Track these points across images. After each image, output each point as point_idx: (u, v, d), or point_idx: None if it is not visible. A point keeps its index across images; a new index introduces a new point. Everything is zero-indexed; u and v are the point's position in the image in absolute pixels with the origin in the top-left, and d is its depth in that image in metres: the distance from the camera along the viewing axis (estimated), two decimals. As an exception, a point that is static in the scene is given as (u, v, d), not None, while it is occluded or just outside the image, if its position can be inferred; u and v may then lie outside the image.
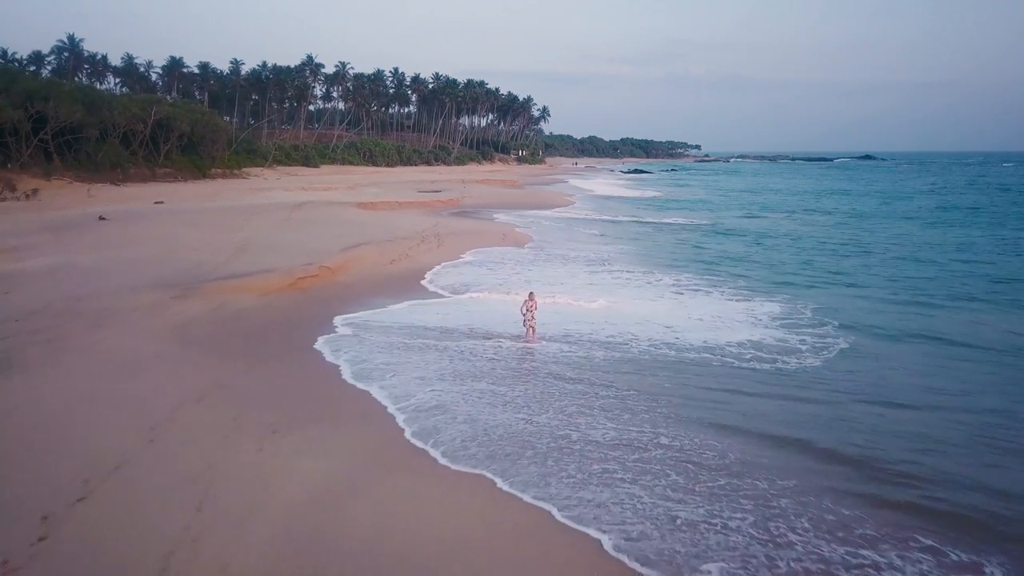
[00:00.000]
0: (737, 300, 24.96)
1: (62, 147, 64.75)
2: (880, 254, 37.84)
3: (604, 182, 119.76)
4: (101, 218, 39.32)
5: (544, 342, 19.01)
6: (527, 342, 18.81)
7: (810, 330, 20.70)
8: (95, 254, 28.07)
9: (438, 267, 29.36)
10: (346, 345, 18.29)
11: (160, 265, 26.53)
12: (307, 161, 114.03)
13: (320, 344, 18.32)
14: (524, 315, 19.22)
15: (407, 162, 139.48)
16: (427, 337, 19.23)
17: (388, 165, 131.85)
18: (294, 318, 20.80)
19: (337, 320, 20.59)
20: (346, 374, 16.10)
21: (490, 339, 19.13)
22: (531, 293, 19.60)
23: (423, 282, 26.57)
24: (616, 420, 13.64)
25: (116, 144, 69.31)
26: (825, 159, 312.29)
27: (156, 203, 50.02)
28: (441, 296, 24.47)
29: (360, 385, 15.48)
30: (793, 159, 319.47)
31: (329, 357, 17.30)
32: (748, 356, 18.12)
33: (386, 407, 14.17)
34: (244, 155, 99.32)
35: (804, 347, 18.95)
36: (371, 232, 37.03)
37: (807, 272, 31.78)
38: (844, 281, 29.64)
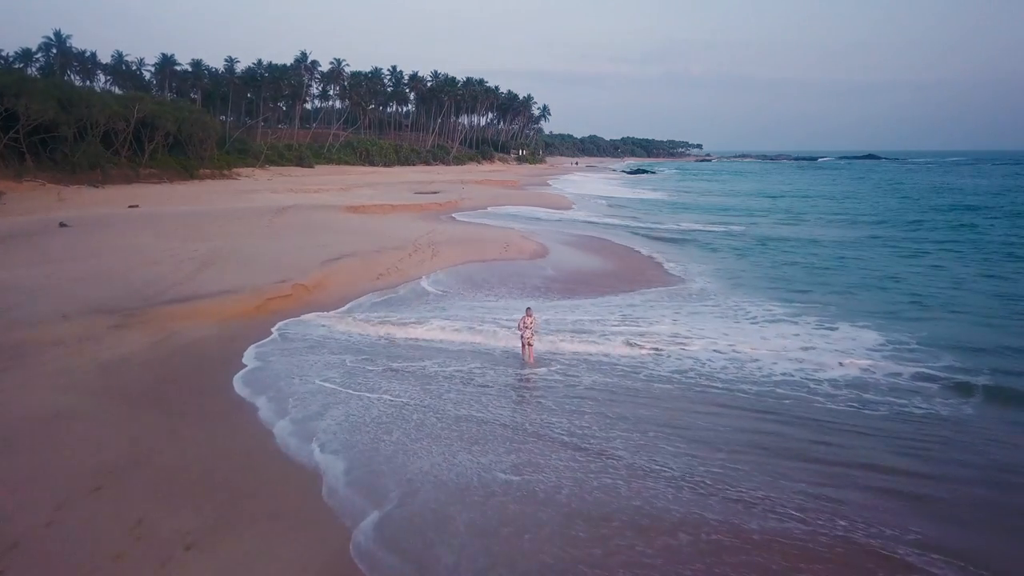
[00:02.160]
0: (815, 322, 21.02)
1: (36, 146, 61.14)
2: (970, 266, 33.03)
3: (607, 183, 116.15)
4: (62, 225, 35.68)
5: (556, 365, 16.66)
6: (525, 363, 16.98)
7: (932, 364, 16.86)
8: (35, 269, 24.42)
9: (425, 283, 25.80)
10: (310, 397, 14.67)
11: (108, 283, 22.89)
12: (301, 161, 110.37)
13: (280, 395, 14.71)
14: (521, 332, 17.21)
15: (405, 162, 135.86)
16: (406, 380, 15.65)
17: (385, 165, 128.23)
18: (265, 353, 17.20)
19: (302, 358, 16.99)
20: (294, 444, 12.41)
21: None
22: (528, 309, 17.47)
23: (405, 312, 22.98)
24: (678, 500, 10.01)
25: (95, 143, 65.61)
26: (812, 158, 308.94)
27: (130, 207, 46.41)
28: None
29: (318, 455, 11.87)
30: (795, 159, 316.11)
31: (284, 418, 13.67)
32: (850, 396, 14.79)
33: (343, 502, 10.52)
34: (236, 155, 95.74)
35: (933, 386, 15.51)
36: (358, 241, 33.40)
37: (887, 290, 27.27)
38: (938, 302, 24.81)
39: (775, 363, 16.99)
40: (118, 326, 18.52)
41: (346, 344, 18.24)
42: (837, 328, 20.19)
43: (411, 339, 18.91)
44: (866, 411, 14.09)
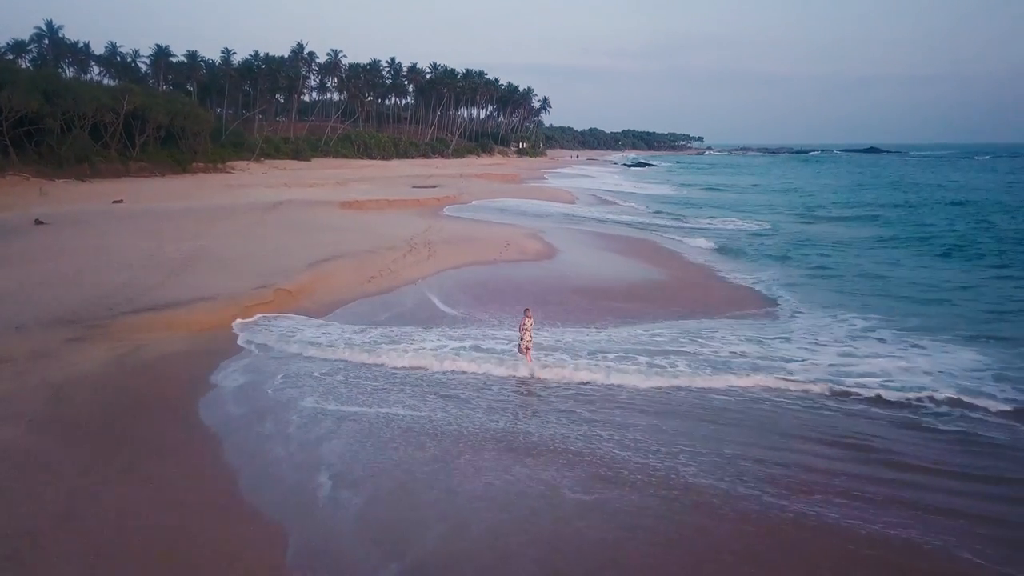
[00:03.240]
0: (893, 335, 19.09)
1: (22, 139, 59.20)
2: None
3: (610, 176, 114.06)
4: (38, 222, 33.82)
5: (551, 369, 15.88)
6: (522, 365, 16.14)
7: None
8: (-2, 273, 22.59)
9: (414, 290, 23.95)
10: (278, 433, 12.85)
11: (75, 288, 21.04)
12: (297, 154, 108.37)
13: (249, 423, 12.90)
14: (520, 335, 16.31)
15: (403, 155, 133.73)
16: (395, 406, 13.83)
17: (384, 158, 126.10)
18: (232, 374, 15.38)
19: (279, 379, 15.17)
20: (258, 496, 10.59)
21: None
22: (527, 310, 16.50)
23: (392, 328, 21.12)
24: None
25: (83, 136, 63.59)
26: (803, 151, 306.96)
27: (114, 202, 44.50)
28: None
29: (283, 511, 10.07)
30: (793, 151, 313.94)
31: (250, 458, 11.87)
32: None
33: None
34: (231, 148, 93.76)
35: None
36: (351, 240, 31.54)
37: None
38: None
39: None
40: (78, 339, 16.69)
41: (322, 368, 16.19)
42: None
43: (398, 368, 16.10)
44: None
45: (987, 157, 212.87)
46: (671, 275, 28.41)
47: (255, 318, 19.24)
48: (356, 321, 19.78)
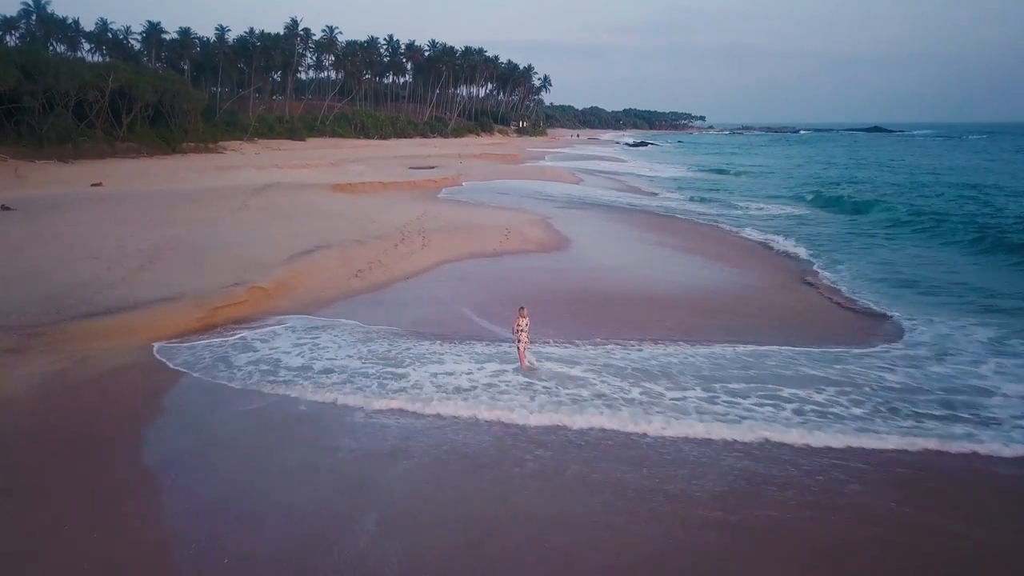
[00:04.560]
0: None
1: (1, 119, 56.76)
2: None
3: (616, 156, 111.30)
4: (4, 208, 31.52)
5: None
6: (521, 365, 14.66)
7: None
8: (-57, 268, 20.33)
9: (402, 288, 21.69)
10: (231, 479, 10.70)
11: (24, 285, 18.78)
12: (293, 134, 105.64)
13: (193, 460, 10.74)
14: (516, 336, 14.76)
15: (401, 134, 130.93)
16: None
17: (381, 138, 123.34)
18: (180, 399, 13.17)
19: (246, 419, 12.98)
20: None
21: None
22: (522, 308, 14.92)
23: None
24: None
25: (65, 115, 60.98)
26: (807, 131, 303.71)
27: (93, 186, 42.19)
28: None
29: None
30: (796, 131, 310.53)
31: (192, 516, 9.71)
32: None
33: None
34: (223, 128, 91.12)
35: None
36: (340, 227, 29.26)
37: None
38: None
39: None
40: (14, 350, 14.49)
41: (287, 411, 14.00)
42: None
43: (376, 411, 12.73)
44: None
45: (981, 137, 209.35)
46: (755, 279, 24.53)
47: (192, 343, 15.98)
48: (339, 324, 17.56)
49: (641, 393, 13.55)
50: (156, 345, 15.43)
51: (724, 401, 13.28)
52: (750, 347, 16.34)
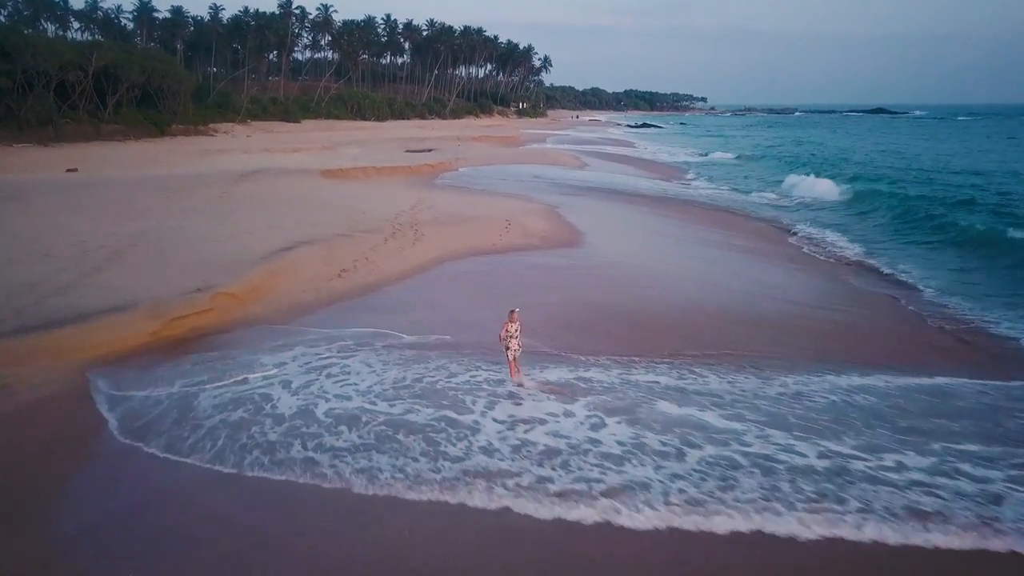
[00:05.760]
0: None
1: (-24, 101, 54.22)
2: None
3: (623, 138, 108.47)
4: (-39, 197, 29.10)
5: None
6: (512, 377, 12.90)
7: None
8: None
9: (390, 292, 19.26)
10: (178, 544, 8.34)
11: (-41, 292, 16.39)
12: (287, 116, 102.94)
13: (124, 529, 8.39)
14: (505, 343, 12.84)
15: (399, 116, 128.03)
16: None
17: (378, 119, 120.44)
18: (92, 473, 10.80)
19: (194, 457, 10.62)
20: None
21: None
22: (512, 313, 12.98)
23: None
24: None
25: (46, 96, 58.34)
26: (811, 112, 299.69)
27: (68, 171, 39.73)
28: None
29: None
30: (800, 112, 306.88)
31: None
32: None
33: None
34: (215, 109, 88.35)
35: None
36: (326, 219, 26.83)
37: None
38: None
39: None
40: (-79, 378, 12.12)
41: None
42: None
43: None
44: None
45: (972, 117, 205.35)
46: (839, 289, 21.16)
47: (138, 366, 14.35)
48: (313, 345, 15.18)
49: (818, 456, 10.05)
50: (91, 372, 13.00)
51: (966, 475, 9.32)
52: (910, 379, 13.33)
